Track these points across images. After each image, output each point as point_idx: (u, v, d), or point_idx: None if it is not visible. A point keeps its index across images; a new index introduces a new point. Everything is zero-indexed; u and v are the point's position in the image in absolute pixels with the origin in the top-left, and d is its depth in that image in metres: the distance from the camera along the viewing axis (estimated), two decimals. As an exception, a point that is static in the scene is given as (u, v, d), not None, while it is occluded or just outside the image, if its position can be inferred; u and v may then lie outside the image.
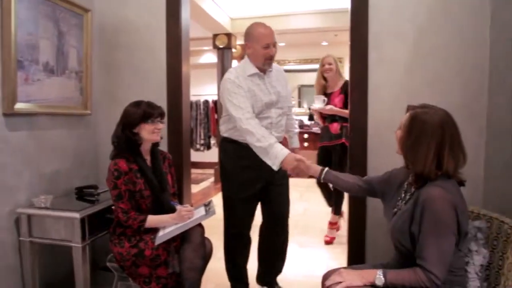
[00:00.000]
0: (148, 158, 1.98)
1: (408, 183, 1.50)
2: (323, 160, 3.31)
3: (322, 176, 1.75)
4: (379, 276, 1.33)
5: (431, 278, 1.26)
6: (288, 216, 2.34)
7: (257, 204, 2.24)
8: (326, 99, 3.25)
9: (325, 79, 3.33)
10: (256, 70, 2.07)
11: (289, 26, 5.57)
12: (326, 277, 1.52)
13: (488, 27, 2.02)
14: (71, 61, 2.28)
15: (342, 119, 3.19)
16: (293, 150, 2.24)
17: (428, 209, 1.29)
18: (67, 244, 1.89)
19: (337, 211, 3.41)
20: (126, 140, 1.89)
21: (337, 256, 2.99)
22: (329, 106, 3.19)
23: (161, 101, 2.39)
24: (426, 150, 1.33)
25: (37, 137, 2.09)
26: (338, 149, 3.21)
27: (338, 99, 3.23)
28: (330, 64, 3.27)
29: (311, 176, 1.86)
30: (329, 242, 3.37)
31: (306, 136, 6.55)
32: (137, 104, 1.92)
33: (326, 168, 1.77)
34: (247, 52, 2.09)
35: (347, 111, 3.11)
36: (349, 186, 1.73)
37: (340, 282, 1.36)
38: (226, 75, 2.08)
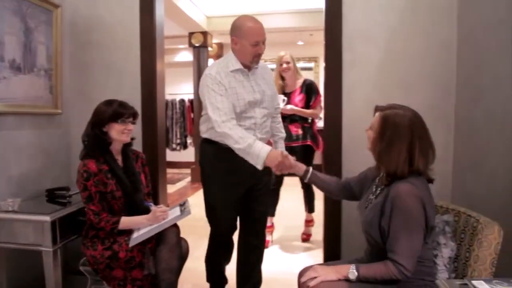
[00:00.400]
0: (119, 158, 1.94)
1: (379, 178, 1.54)
2: None
3: (308, 176, 1.74)
4: (352, 270, 1.37)
5: (401, 270, 1.31)
6: (265, 223, 2.26)
7: (240, 208, 2.10)
8: (285, 98, 3.12)
9: (283, 78, 3.21)
10: (240, 66, 1.91)
11: (265, 25, 5.56)
12: (302, 274, 1.54)
13: (455, 30, 2.10)
14: (39, 59, 2.20)
15: (302, 119, 3.12)
16: None
17: (397, 205, 1.33)
18: (37, 248, 1.83)
19: (311, 208, 3.39)
20: (95, 138, 1.85)
21: (314, 254, 3.04)
22: (289, 106, 3.08)
23: (136, 100, 2.36)
24: (399, 152, 1.37)
25: (3, 137, 2.01)
26: (298, 151, 3.00)
27: (299, 99, 3.14)
28: (288, 63, 3.15)
29: (292, 174, 1.84)
30: (306, 239, 3.38)
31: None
32: (109, 102, 1.88)
33: (311, 169, 1.75)
34: (233, 47, 1.93)
35: (309, 111, 3.12)
36: (332, 189, 1.74)
37: (315, 277, 1.39)
38: (207, 70, 1.93)
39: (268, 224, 3.19)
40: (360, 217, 1.58)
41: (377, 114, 1.46)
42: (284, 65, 3.16)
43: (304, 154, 3.04)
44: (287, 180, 3.03)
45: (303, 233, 3.43)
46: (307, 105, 3.11)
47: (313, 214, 3.41)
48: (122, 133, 1.87)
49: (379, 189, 1.49)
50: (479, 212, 1.52)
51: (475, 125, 1.90)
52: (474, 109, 1.91)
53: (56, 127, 2.40)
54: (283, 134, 2.20)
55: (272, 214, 3.32)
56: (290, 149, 2.92)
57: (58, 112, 2.36)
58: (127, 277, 1.78)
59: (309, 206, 3.41)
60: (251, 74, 1.96)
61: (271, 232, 3.37)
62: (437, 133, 2.10)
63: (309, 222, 3.45)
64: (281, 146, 2.18)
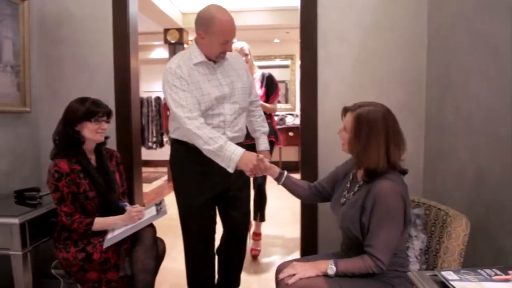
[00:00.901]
0: (92, 157, 1.88)
1: (353, 174, 1.58)
2: None
3: (282, 179, 1.71)
4: (331, 266, 1.39)
5: (378, 264, 1.35)
6: (246, 229, 2.10)
7: (215, 213, 1.96)
8: None
9: None
10: (203, 58, 1.77)
11: (241, 22, 5.56)
12: (279, 270, 1.55)
13: (426, 30, 2.16)
14: (5, 54, 2.11)
15: (264, 114, 2.89)
16: (261, 153, 1.86)
17: (379, 202, 1.36)
18: (5, 252, 1.75)
19: (262, 216, 3.03)
20: (67, 137, 1.79)
21: (291, 250, 3.06)
22: None
23: (109, 98, 2.31)
24: (378, 148, 1.40)
25: (-33, 137, 1.92)
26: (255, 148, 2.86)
27: (260, 93, 2.87)
28: (246, 55, 2.83)
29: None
30: (256, 255, 2.97)
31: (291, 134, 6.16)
32: (82, 100, 1.83)
33: (286, 172, 1.73)
34: (198, 40, 1.79)
35: (270, 106, 2.89)
36: (304, 194, 1.74)
37: (294, 275, 1.40)
38: (167, 64, 1.80)
39: (255, 230, 3.01)
40: (334, 214, 1.61)
41: (348, 114, 1.48)
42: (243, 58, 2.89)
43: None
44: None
45: (254, 249, 2.98)
46: (266, 99, 2.93)
47: (289, 211, 3.25)
48: (96, 133, 1.81)
49: (357, 185, 1.51)
50: (448, 206, 1.58)
51: (444, 122, 1.97)
52: (443, 106, 1.98)
53: (24, 125, 2.31)
54: (265, 128, 2.04)
55: (261, 219, 3.02)
56: (248, 147, 2.66)
57: (26, 110, 2.27)
58: (101, 279, 1.74)
59: (261, 213, 3.01)
60: (217, 67, 1.81)
61: (259, 241, 3.04)
62: (409, 129, 2.16)
63: (257, 236, 3.02)
64: (263, 141, 2.03)
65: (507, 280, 0.97)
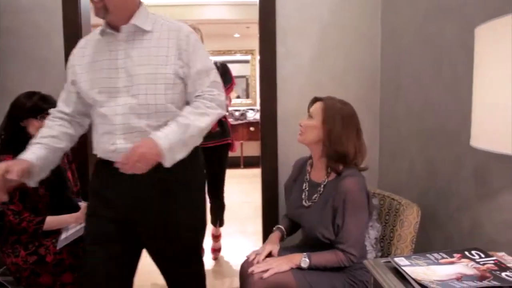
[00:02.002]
0: None
1: (308, 178, 1.60)
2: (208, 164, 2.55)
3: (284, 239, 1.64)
4: (304, 259, 1.42)
5: (350, 258, 1.41)
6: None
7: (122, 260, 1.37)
8: None
9: None
10: (103, 26, 1.29)
11: (201, 16, 5.48)
12: (244, 265, 1.56)
13: (380, 30, 2.25)
14: None
15: None
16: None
17: (347, 200, 1.41)
18: None
19: (221, 221, 2.92)
20: (12, 133, 1.69)
21: (254, 244, 3.09)
22: None
23: (61, 93, 2.19)
24: (352, 137, 1.47)
25: None
26: (219, 151, 2.63)
27: None
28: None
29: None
30: (216, 258, 2.87)
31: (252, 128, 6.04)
32: (30, 95, 1.72)
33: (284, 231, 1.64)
34: None
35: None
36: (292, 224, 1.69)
37: (268, 270, 1.39)
38: None
39: (214, 232, 2.88)
40: (295, 218, 1.61)
41: (318, 103, 1.52)
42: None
43: (224, 154, 2.69)
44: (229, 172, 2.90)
45: (213, 248, 2.89)
46: None
47: (250, 206, 3.14)
48: None
49: (320, 188, 1.52)
50: (401, 196, 1.67)
51: (397, 118, 2.06)
52: (396, 102, 2.07)
53: (-35, 122, 2.13)
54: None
55: (220, 224, 2.89)
56: (210, 149, 2.50)
57: (-33, 105, 2.10)
58: (55, 282, 1.66)
59: (220, 219, 2.88)
60: (123, 41, 1.28)
61: (219, 241, 2.94)
62: (365, 123, 2.22)
63: (217, 238, 2.93)
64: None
65: (452, 263, 1.03)
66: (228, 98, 2.59)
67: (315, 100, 1.56)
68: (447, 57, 1.55)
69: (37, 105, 1.70)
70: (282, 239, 1.63)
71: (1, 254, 1.70)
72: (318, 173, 1.56)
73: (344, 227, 1.41)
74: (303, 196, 1.58)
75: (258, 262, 1.45)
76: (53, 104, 1.73)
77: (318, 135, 1.49)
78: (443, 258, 1.06)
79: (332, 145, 1.46)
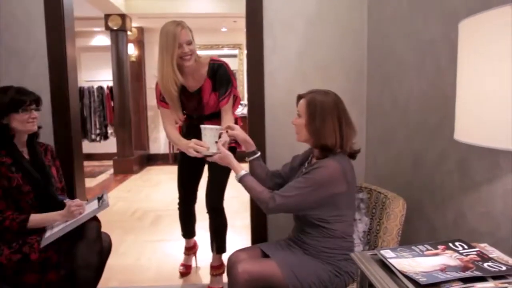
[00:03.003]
0: (24, 150, 1.75)
1: (308, 163, 1.63)
2: (190, 170, 2.32)
3: (252, 158, 1.74)
4: (243, 171, 1.58)
5: (270, 201, 1.46)
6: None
7: None
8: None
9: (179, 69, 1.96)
10: None
11: (188, 10, 5.42)
12: (231, 259, 1.57)
13: (366, 24, 2.26)
14: None
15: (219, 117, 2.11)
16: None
17: (316, 170, 1.45)
18: None
19: (222, 247, 2.38)
20: None
21: (243, 238, 3.10)
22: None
23: (43, 87, 2.15)
24: (332, 125, 1.49)
25: None
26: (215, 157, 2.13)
27: (214, 99, 2.07)
28: (189, 43, 1.93)
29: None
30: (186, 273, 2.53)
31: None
32: (4, 90, 1.67)
33: (259, 153, 1.76)
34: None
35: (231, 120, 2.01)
36: (265, 178, 1.72)
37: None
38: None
39: (213, 263, 2.36)
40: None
41: (302, 100, 1.54)
42: (186, 49, 1.92)
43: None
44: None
45: (184, 264, 2.56)
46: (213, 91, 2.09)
47: (239, 200, 2.77)
48: (26, 123, 1.68)
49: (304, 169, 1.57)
50: (388, 189, 1.69)
51: (383, 110, 2.08)
52: (382, 95, 2.09)
53: None
54: None
55: (219, 250, 2.35)
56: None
57: None
58: (41, 281, 1.64)
59: (221, 243, 2.34)
60: None
61: (221, 275, 2.34)
62: (351, 115, 2.24)
63: (217, 269, 2.32)
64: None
65: (436, 254, 1.05)
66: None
67: (299, 97, 1.58)
68: (430, 51, 1.57)
69: (15, 99, 1.65)
70: (250, 154, 1.75)
71: (-17, 252, 1.66)
72: (315, 156, 1.60)
73: (293, 183, 1.48)
74: (297, 176, 1.61)
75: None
76: (29, 94, 1.69)
77: (307, 132, 1.52)
78: (427, 250, 1.08)
79: (316, 140, 1.51)
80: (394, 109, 1.94)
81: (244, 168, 1.61)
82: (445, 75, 1.45)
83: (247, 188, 1.54)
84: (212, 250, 2.37)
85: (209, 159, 1.65)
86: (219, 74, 2.03)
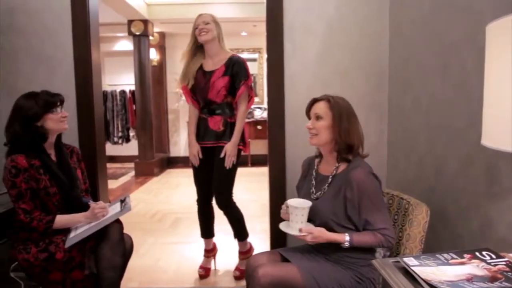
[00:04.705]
0: (52, 152, 1.81)
1: (315, 171, 1.63)
2: (203, 166, 2.39)
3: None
4: (346, 237, 1.45)
5: (388, 239, 1.44)
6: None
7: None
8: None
9: (200, 49, 2.34)
10: None
11: (208, 15, 5.49)
12: (250, 263, 1.57)
13: (387, 26, 2.23)
14: (-47, 45, 1.96)
15: (226, 110, 2.34)
16: None
17: (362, 191, 1.45)
18: (-42, 255, 1.66)
19: (241, 234, 2.55)
20: (29, 136, 1.71)
21: (261, 242, 3.09)
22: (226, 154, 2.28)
23: (69, 91, 2.22)
24: (357, 126, 1.54)
25: None
26: (214, 152, 2.33)
27: (221, 83, 2.29)
28: (206, 23, 2.25)
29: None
30: (239, 277, 2.49)
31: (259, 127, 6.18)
32: (33, 95, 1.74)
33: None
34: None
35: (240, 123, 2.29)
36: None
37: (311, 234, 1.45)
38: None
39: (240, 249, 2.56)
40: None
41: (322, 103, 1.54)
42: (201, 25, 2.24)
43: (218, 157, 2.32)
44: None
45: (237, 269, 2.56)
46: (232, 92, 2.32)
47: (258, 204, 2.88)
48: (60, 122, 1.76)
49: (329, 179, 1.55)
50: (410, 195, 1.65)
51: (405, 114, 2.04)
52: (404, 99, 2.05)
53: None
54: None
55: (240, 237, 2.52)
56: (212, 151, 2.34)
57: (-22, 105, 2.13)
58: (66, 279, 1.68)
59: (240, 231, 2.50)
60: None
61: (214, 256, 2.65)
62: (372, 121, 2.24)
63: (245, 254, 2.52)
64: None
65: (462, 263, 1.02)
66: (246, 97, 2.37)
67: (315, 101, 1.58)
68: (455, 54, 1.53)
69: (48, 101, 1.74)
70: None
71: (12, 250, 1.72)
72: (327, 167, 1.60)
73: (368, 216, 1.45)
74: (311, 190, 1.60)
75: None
76: (58, 96, 1.78)
77: (330, 134, 1.52)
78: (453, 258, 1.05)
79: (343, 140, 1.51)
80: (416, 113, 1.90)
81: (341, 234, 1.47)
82: (470, 78, 1.41)
83: (361, 245, 1.46)
84: (235, 238, 2.55)
85: (299, 237, 1.49)
86: (238, 63, 2.31)
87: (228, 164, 2.30)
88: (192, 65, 2.35)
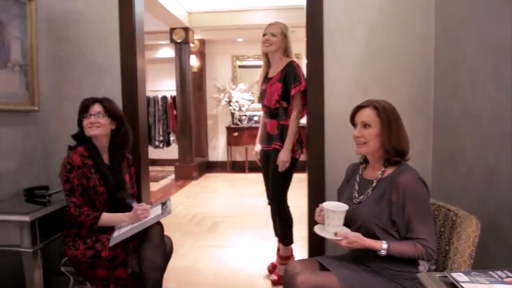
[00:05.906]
0: (105, 154, 1.93)
1: (359, 176, 1.59)
2: (265, 169, 2.58)
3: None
4: (384, 245, 1.40)
5: (429, 252, 1.38)
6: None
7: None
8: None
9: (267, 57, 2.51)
10: None
11: (247, 21, 5.56)
12: (287, 270, 1.55)
13: (433, 26, 2.14)
14: (14, 54, 2.13)
15: (280, 115, 2.44)
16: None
17: (410, 196, 1.40)
18: (16, 249, 1.77)
19: (286, 239, 2.57)
20: (81, 134, 1.89)
21: (298, 249, 3.05)
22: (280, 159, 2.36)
23: (116, 97, 2.31)
24: (405, 130, 1.51)
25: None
26: (273, 154, 2.42)
27: (274, 88, 2.42)
28: (273, 35, 2.39)
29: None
30: (277, 282, 2.48)
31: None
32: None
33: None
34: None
35: (293, 129, 2.36)
36: None
37: (347, 239, 1.42)
38: None
39: (281, 253, 2.57)
40: (348, 215, 1.52)
41: (368, 110, 1.50)
42: (267, 36, 2.41)
43: (273, 160, 2.42)
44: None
45: (275, 274, 2.55)
46: (285, 97, 2.40)
47: (296, 211, 2.79)
48: (88, 128, 1.85)
49: (374, 182, 1.51)
50: (457, 206, 1.56)
51: (452, 121, 1.94)
52: (451, 105, 1.95)
53: (33, 124, 2.32)
54: None
55: (284, 242, 2.55)
56: (268, 153, 2.48)
57: (35, 109, 2.28)
58: (110, 276, 1.76)
59: (283, 236, 2.52)
60: None
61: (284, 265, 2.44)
62: (416, 127, 2.15)
63: (283, 259, 2.51)
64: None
65: (519, 282, 0.95)
66: (299, 104, 2.41)
67: (359, 108, 1.53)
68: (507, 56, 1.43)
69: (81, 106, 1.89)
70: None
71: (63, 246, 1.83)
72: (372, 172, 1.56)
73: (413, 223, 1.39)
74: (354, 194, 1.56)
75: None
76: (89, 100, 1.89)
77: (380, 141, 1.49)
78: (508, 276, 0.98)
79: (393, 146, 1.48)
80: (465, 120, 1.80)
81: (379, 241, 1.42)
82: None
83: (399, 254, 1.40)
84: (279, 243, 2.61)
85: (333, 241, 1.46)
86: (291, 68, 2.40)
87: (280, 168, 2.37)
88: (262, 72, 2.60)
